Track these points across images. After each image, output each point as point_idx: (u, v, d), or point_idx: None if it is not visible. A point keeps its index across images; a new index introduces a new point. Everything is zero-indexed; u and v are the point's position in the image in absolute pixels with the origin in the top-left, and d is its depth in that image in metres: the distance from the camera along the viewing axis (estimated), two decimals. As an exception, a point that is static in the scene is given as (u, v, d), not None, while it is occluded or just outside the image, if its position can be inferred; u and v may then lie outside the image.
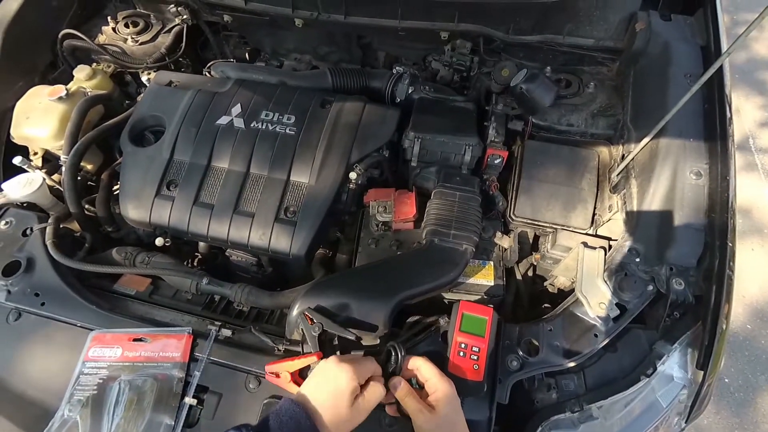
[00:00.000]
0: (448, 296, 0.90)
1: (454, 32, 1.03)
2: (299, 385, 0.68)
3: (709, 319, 0.67)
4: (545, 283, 1.03)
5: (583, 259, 0.79)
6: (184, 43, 1.25)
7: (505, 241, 0.95)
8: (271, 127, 0.99)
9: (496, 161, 0.97)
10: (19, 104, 1.07)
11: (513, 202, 0.97)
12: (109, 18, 1.26)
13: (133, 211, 0.96)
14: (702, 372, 0.67)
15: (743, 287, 1.99)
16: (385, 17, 1.03)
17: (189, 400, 0.73)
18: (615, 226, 0.90)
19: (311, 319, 0.72)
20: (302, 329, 0.72)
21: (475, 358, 0.68)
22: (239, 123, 1.00)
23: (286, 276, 1.07)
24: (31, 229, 0.91)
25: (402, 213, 0.94)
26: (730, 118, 0.78)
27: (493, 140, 0.98)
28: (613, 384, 0.71)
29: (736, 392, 1.77)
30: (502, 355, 0.73)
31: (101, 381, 0.75)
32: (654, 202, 0.79)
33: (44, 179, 1.00)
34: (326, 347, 0.71)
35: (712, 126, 0.79)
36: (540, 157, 0.99)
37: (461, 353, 0.69)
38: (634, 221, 0.81)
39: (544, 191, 0.96)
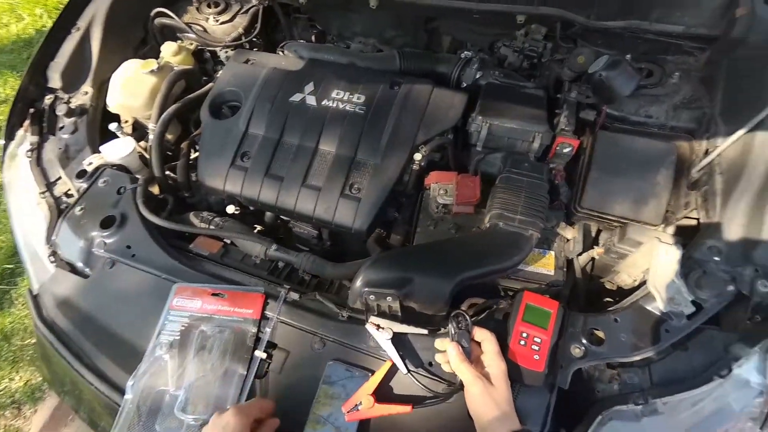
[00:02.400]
0: (507, 283, 0.90)
1: (531, 16, 1.01)
2: (382, 402, 0.70)
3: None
4: (602, 280, 1.01)
5: (659, 254, 0.76)
6: (259, 24, 1.31)
7: (568, 232, 0.94)
8: (341, 106, 1.03)
9: (566, 150, 0.95)
10: (114, 76, 1.18)
11: (579, 193, 0.95)
12: (193, -1, 1.34)
13: (210, 178, 1.04)
14: (785, 379, 0.63)
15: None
16: (461, -1, 1.02)
17: (260, 354, 0.79)
18: (687, 225, 0.86)
19: (378, 326, 0.74)
20: (372, 338, 0.75)
21: (536, 348, 0.69)
22: (311, 100, 1.05)
23: (344, 251, 1.12)
24: (125, 188, 1.01)
25: (465, 196, 0.94)
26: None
27: (564, 129, 0.96)
28: (682, 382, 0.69)
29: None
30: (566, 343, 0.72)
31: (183, 328, 0.83)
32: (742, 200, 0.74)
33: (135, 145, 1.10)
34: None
35: (818, 122, 0.73)
36: (612, 149, 0.95)
37: (522, 342, 0.70)
38: (717, 219, 0.77)
39: (615, 184, 0.92)
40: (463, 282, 0.79)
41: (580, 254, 0.98)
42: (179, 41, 1.28)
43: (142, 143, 1.18)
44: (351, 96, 1.04)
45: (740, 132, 0.76)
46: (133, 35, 1.31)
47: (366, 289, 0.77)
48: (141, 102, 1.14)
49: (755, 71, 0.82)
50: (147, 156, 1.14)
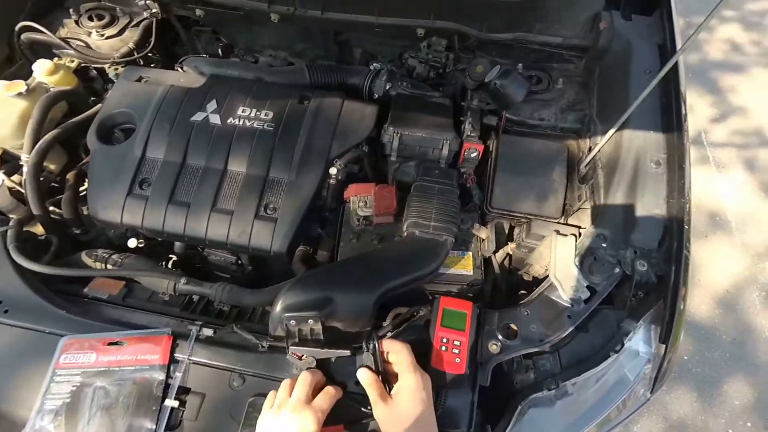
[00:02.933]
0: (431, 287, 0.92)
1: (430, 29, 1.05)
2: None
3: (669, 297, 0.73)
4: (520, 272, 1.08)
5: (556, 245, 0.83)
6: (153, 38, 1.21)
7: (482, 232, 0.99)
8: (248, 123, 0.98)
9: (473, 155, 1.00)
10: (-28, 101, 1.01)
11: (489, 195, 1.01)
12: (71, 10, 1.20)
13: (103, 211, 0.93)
14: (664, 346, 0.72)
15: (699, 271, 2.14)
16: (362, 13, 1.04)
17: (170, 403, 0.72)
18: (584, 215, 0.96)
19: (300, 356, 0.72)
20: (296, 368, 0.73)
21: (457, 351, 0.71)
22: (215, 119, 0.99)
23: (267, 274, 1.07)
24: (-8, 232, 0.86)
25: (383, 207, 0.95)
26: (685, 113, 0.84)
27: (469, 134, 1.01)
28: (586, 362, 0.75)
29: (694, 368, 1.91)
30: (483, 340, 0.76)
31: (74, 388, 0.72)
32: (619, 190, 0.84)
33: (3, 180, 0.95)
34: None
35: (669, 119, 0.85)
36: (514, 151, 1.03)
37: (443, 347, 0.71)
38: (602, 209, 0.86)
39: (518, 183, 1.00)
40: (385, 294, 0.79)
41: (495, 252, 1.04)
42: (56, 58, 1.13)
43: (16, 177, 1.02)
44: (258, 113, 1.00)
45: (611, 131, 0.86)
46: (-5, 53, 1.13)
47: (286, 314, 0.74)
48: (8, 130, 0.99)
49: (619, 76, 0.94)
50: (22, 191, 0.99)
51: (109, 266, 0.90)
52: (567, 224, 0.98)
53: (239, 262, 1.01)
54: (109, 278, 0.90)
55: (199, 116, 0.98)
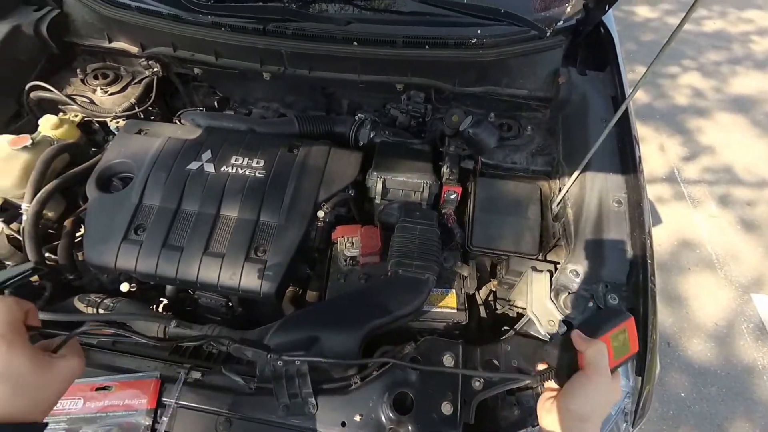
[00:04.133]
0: (417, 325, 0.94)
1: (408, 84, 1.16)
2: None
3: (641, 330, 0.76)
4: (504, 308, 1.11)
5: (532, 281, 0.88)
6: (154, 93, 1.30)
7: (464, 270, 1.03)
8: (241, 171, 1.05)
9: (452, 196, 1.07)
10: (-22, 154, 1.06)
11: (470, 234, 1.06)
12: (78, 70, 1.30)
13: (98, 256, 0.96)
14: (641, 378, 0.74)
15: (686, 305, 2.17)
16: (346, 72, 1.14)
17: (155, 449, 0.71)
18: (561, 251, 1.01)
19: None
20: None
21: None
22: (209, 167, 1.05)
23: (257, 316, 1.08)
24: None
25: (368, 247, 1.00)
26: (639, 155, 0.93)
27: (448, 178, 1.09)
28: (567, 396, 0.77)
29: (692, 405, 1.88)
30: (467, 377, 0.77)
31: (59, 437, 0.72)
32: (587, 227, 0.90)
33: (2, 228, 0.98)
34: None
35: (625, 161, 0.94)
36: (491, 192, 1.10)
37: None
38: (573, 245, 0.91)
39: (496, 222, 1.06)
40: (370, 333, 0.82)
41: (478, 289, 1.08)
42: (61, 113, 1.21)
43: (15, 225, 1.06)
44: (250, 161, 1.06)
45: (576, 173, 0.93)
46: (4, 110, 1.21)
47: (273, 355, 0.76)
48: (11, 181, 1.04)
49: (579, 124, 1.04)
50: (20, 238, 1.02)
51: (101, 310, 0.91)
52: (545, 260, 1.03)
53: (229, 304, 1.03)
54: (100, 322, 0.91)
55: (194, 165, 1.05)
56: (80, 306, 0.92)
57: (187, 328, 0.88)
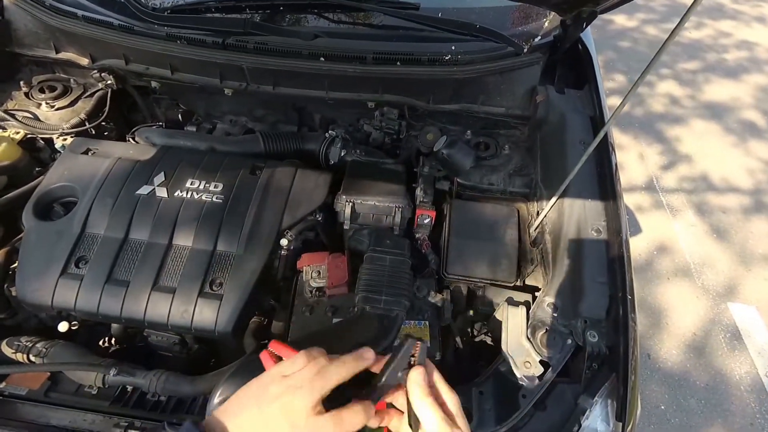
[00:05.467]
0: (385, 363, 0.88)
1: (379, 101, 1.10)
2: None
3: (621, 370, 0.72)
4: (482, 337, 1.05)
5: (507, 317, 0.82)
6: (107, 107, 1.20)
7: (438, 299, 0.97)
8: (197, 196, 0.96)
9: (426, 221, 1.01)
10: None
11: (445, 260, 1.00)
12: (22, 83, 1.19)
13: (32, 293, 0.86)
14: (621, 423, 0.69)
15: (665, 315, 2.17)
16: (313, 89, 1.07)
17: None
18: (539, 275, 0.96)
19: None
20: None
21: None
22: (162, 192, 0.96)
23: (217, 350, 1.00)
24: None
25: (336, 278, 0.93)
26: (619, 180, 0.88)
27: (422, 200, 1.03)
28: (546, 444, 0.72)
29: (672, 418, 1.87)
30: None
31: None
32: (565, 257, 0.85)
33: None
34: None
35: (604, 187, 0.90)
36: (466, 215, 1.04)
37: None
38: (551, 275, 0.86)
39: (472, 248, 1.00)
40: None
41: (454, 319, 1.02)
42: (0, 131, 1.11)
43: (-61, 257, 0.95)
44: (208, 185, 0.98)
45: (554, 199, 0.89)
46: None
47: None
48: (-65, 208, 0.93)
49: (557, 145, 1.00)
50: (-56, 273, 0.91)
51: (32, 357, 0.82)
52: (524, 286, 0.98)
53: (183, 341, 0.94)
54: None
55: (144, 190, 0.96)
56: (8, 351, 0.82)
57: (129, 376, 0.79)
